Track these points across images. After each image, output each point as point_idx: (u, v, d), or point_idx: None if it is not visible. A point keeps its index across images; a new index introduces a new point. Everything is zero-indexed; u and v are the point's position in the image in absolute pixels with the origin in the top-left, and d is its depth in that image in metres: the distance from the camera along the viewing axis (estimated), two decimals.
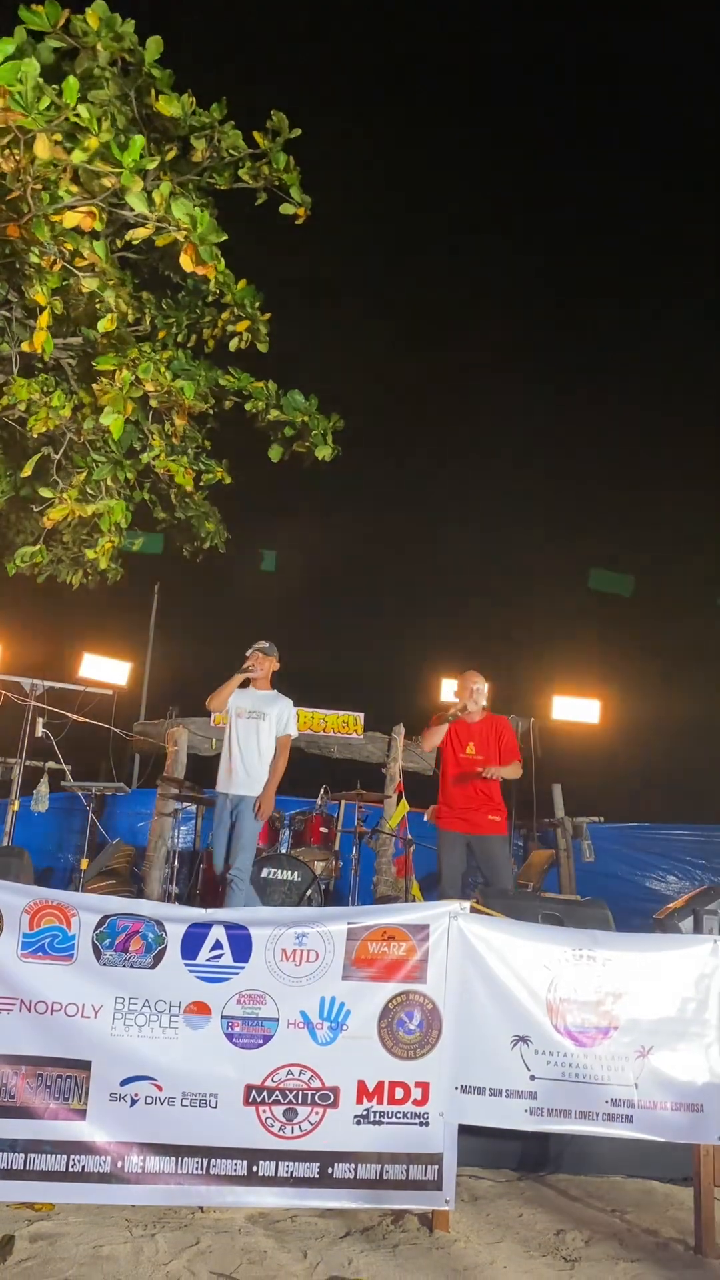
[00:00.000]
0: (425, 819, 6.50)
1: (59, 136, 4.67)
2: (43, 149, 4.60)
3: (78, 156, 4.67)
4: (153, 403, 6.10)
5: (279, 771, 6.01)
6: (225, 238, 5.36)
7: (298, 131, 5.92)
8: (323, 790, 7.46)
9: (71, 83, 4.61)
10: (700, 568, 10.85)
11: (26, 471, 5.87)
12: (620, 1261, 3.34)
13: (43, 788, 7.82)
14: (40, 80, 4.55)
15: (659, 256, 11.25)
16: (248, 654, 6.10)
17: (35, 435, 5.75)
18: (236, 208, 6.28)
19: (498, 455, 11.47)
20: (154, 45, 5.43)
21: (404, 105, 11.84)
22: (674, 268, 11.18)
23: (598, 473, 11.88)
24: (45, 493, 5.92)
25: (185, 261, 5.22)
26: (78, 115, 4.60)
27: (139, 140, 4.77)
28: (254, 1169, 3.39)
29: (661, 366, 11.63)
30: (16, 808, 7.52)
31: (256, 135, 5.93)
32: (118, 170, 4.73)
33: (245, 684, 6.06)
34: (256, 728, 5.97)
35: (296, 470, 7.00)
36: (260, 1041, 3.49)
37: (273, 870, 6.48)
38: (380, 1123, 3.50)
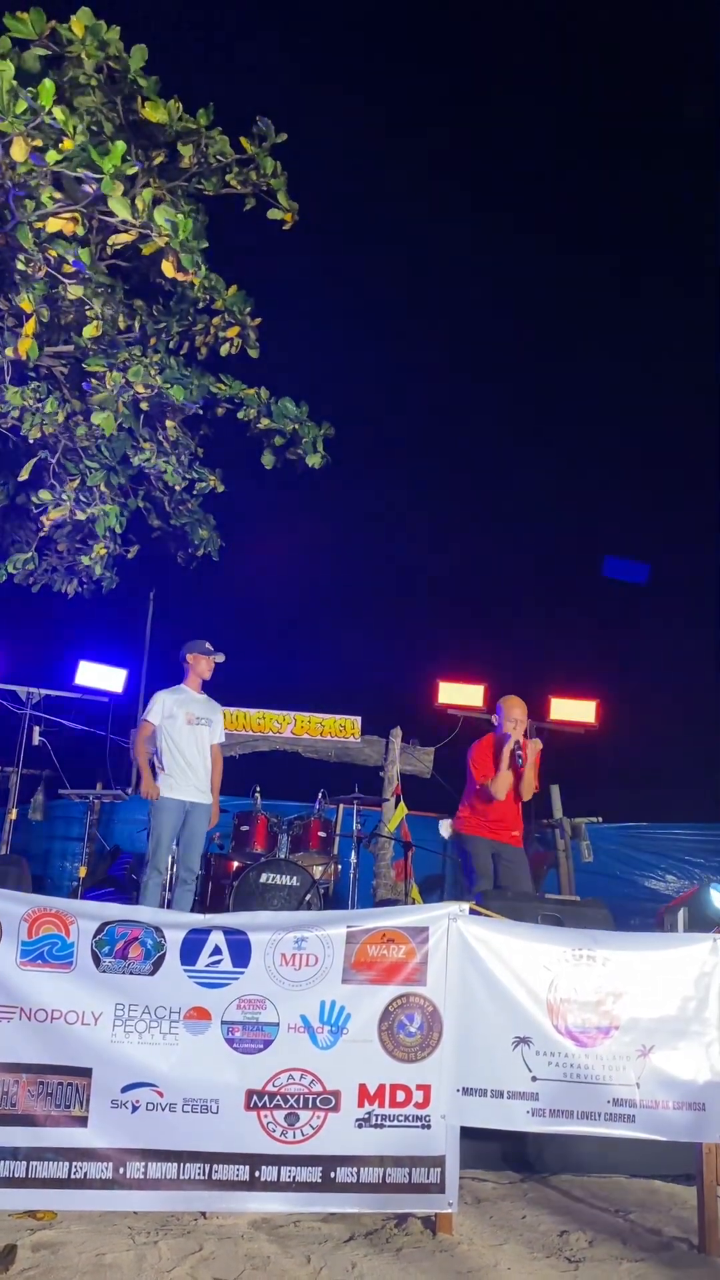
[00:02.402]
0: (444, 833, 6.55)
1: (39, 143, 4.69)
2: (19, 152, 4.62)
3: (52, 157, 4.68)
4: (143, 405, 6.12)
5: (219, 783, 6.22)
6: (206, 245, 5.38)
7: (284, 136, 5.95)
8: (320, 794, 7.44)
9: (47, 85, 4.62)
10: (697, 567, 10.88)
11: (24, 475, 5.88)
12: (624, 1262, 3.34)
13: (39, 796, 7.82)
14: (15, 83, 4.57)
15: (675, 248, 11.25)
16: (199, 655, 6.13)
17: (31, 440, 5.76)
18: (225, 213, 6.30)
19: (494, 456, 11.48)
20: (139, 53, 5.45)
21: (395, 106, 11.86)
22: (687, 257, 11.20)
23: (598, 474, 11.89)
24: (45, 495, 5.94)
25: (167, 268, 5.25)
26: (53, 118, 4.62)
27: (119, 146, 4.79)
28: (256, 1174, 3.38)
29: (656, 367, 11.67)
30: (14, 816, 7.51)
31: (244, 141, 5.95)
32: (99, 176, 4.75)
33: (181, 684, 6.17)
34: (203, 735, 6.09)
35: (291, 473, 7.02)
36: (261, 1046, 3.49)
37: (271, 875, 6.46)
38: (382, 1126, 3.49)
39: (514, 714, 6.08)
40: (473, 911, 3.80)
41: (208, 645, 6.21)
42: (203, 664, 6.15)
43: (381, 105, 11.62)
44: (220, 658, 6.20)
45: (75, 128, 4.58)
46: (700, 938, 3.96)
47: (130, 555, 7.51)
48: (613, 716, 9.35)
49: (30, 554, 6.73)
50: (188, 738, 6.00)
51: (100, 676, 8.38)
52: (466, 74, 11.80)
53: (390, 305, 11.49)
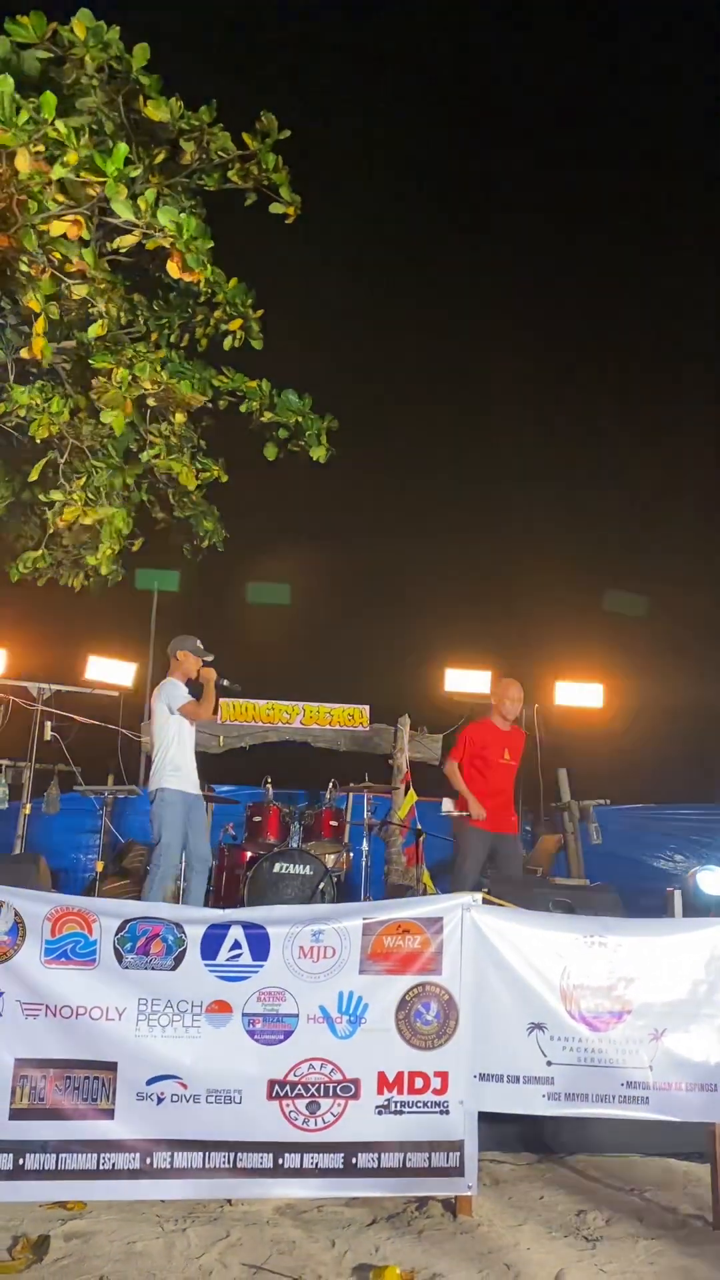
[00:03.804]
0: (445, 813, 6.70)
1: (40, 149, 4.70)
2: (23, 164, 4.63)
3: (58, 171, 4.70)
4: (150, 402, 6.14)
5: None
6: (212, 244, 5.40)
7: (287, 133, 5.93)
8: (331, 783, 7.51)
9: (49, 98, 4.62)
10: (706, 545, 10.89)
11: (34, 476, 5.91)
12: (641, 1239, 3.41)
13: (53, 790, 7.90)
14: (17, 96, 4.57)
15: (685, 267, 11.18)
16: (189, 653, 6.19)
17: (39, 441, 5.78)
18: (228, 206, 6.30)
19: (500, 443, 11.47)
20: (140, 52, 5.44)
21: (395, 100, 11.77)
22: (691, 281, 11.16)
23: (603, 454, 11.87)
24: (56, 495, 5.96)
25: (173, 268, 5.26)
26: (56, 130, 4.62)
27: (122, 149, 4.80)
28: (280, 1161, 3.46)
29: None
30: (29, 810, 7.59)
31: (245, 137, 5.94)
32: (102, 180, 4.77)
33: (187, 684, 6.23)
34: (193, 730, 6.21)
35: (295, 465, 7.04)
36: (281, 1037, 3.56)
37: (285, 865, 6.53)
38: (401, 1112, 3.57)
39: (511, 692, 6.51)
40: (485, 901, 3.87)
41: (199, 644, 6.23)
42: (191, 663, 6.16)
43: (389, 95, 11.55)
44: (210, 657, 6.21)
45: (79, 139, 4.59)
46: (710, 922, 4.02)
47: (135, 549, 7.56)
48: (620, 699, 9.40)
49: (41, 551, 6.76)
50: (189, 732, 6.11)
51: (110, 671, 8.43)
52: (472, 62, 11.71)
53: (396, 296, 11.47)
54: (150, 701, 6.30)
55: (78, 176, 4.63)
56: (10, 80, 4.35)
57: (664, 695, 10.17)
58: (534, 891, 4.80)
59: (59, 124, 4.49)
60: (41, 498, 6.33)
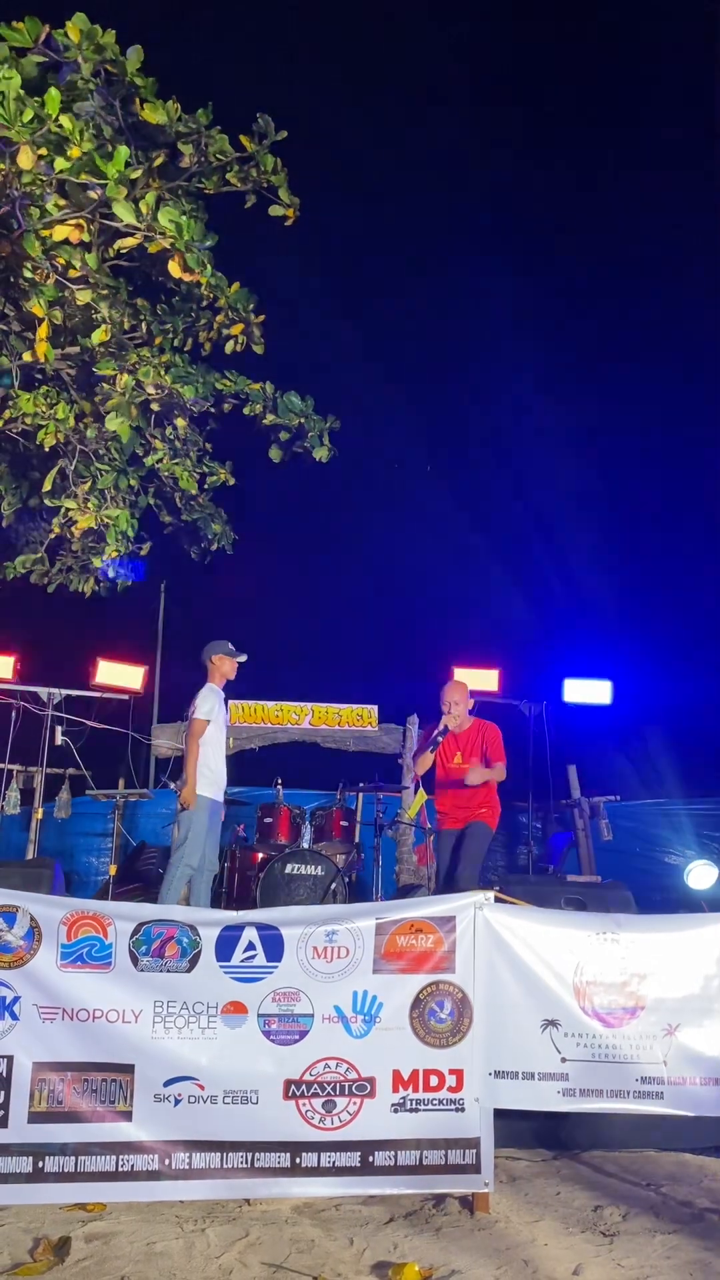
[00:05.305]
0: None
1: (44, 151, 4.73)
2: (26, 160, 4.66)
3: (60, 165, 4.73)
4: (154, 406, 6.17)
5: None
6: (211, 244, 5.41)
7: (284, 134, 5.94)
8: (341, 784, 7.54)
9: (53, 94, 4.66)
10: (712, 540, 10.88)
11: (47, 486, 5.95)
12: (658, 1234, 3.42)
13: (64, 794, 7.94)
14: (22, 93, 4.61)
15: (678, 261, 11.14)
16: (224, 655, 6.27)
17: (47, 449, 5.81)
18: (227, 210, 6.32)
19: (504, 441, 11.48)
20: (135, 55, 5.45)
21: (394, 96, 11.77)
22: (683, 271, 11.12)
23: (611, 456, 11.86)
24: (69, 504, 6.00)
25: (174, 269, 5.28)
26: (60, 126, 4.66)
27: (123, 151, 4.83)
28: (297, 1161, 3.48)
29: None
30: (40, 815, 7.63)
31: (243, 139, 5.96)
32: (103, 182, 4.79)
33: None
34: (226, 736, 6.36)
35: (300, 466, 7.07)
36: (297, 1037, 3.58)
37: (296, 866, 6.56)
38: (417, 1110, 3.58)
39: (444, 696, 6.34)
40: (497, 899, 3.89)
41: (231, 646, 6.29)
42: (227, 665, 6.25)
43: (388, 92, 11.55)
44: (243, 658, 6.28)
45: (82, 134, 4.62)
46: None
47: (143, 553, 7.58)
48: (628, 695, 9.39)
49: (40, 554, 6.80)
50: (220, 740, 6.19)
51: (119, 675, 8.47)
52: (468, 60, 11.69)
53: (396, 295, 11.48)
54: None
55: (79, 175, 4.65)
56: (18, 77, 4.37)
57: (673, 690, 10.16)
58: (546, 889, 4.82)
59: (64, 119, 4.51)
60: (50, 503, 6.37)
